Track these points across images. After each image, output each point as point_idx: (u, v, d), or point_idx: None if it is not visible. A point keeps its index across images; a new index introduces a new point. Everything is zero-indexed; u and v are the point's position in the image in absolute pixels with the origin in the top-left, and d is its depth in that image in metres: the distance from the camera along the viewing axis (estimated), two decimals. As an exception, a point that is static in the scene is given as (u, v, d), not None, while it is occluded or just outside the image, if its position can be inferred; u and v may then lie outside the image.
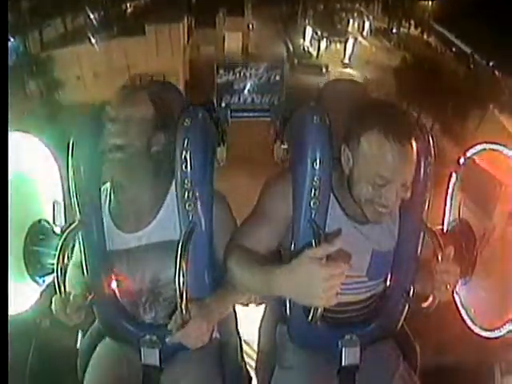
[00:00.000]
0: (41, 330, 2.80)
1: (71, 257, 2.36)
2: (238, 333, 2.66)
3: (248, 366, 2.60)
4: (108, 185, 2.35)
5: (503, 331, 2.41)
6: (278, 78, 2.50)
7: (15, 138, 2.37)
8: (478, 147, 2.67)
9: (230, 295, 2.20)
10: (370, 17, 35.70)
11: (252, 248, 2.11)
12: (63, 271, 2.13)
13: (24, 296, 2.48)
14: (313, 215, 2.15)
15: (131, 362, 2.35)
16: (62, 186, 2.64)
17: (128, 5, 31.71)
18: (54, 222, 2.59)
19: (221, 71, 2.48)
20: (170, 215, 2.24)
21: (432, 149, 2.24)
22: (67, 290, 2.13)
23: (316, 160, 2.10)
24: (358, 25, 33.74)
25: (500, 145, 2.54)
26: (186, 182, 2.13)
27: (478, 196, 2.65)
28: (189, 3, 32.00)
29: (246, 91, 2.50)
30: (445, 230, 2.79)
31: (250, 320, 3.12)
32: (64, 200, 2.64)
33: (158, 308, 2.34)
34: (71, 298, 2.11)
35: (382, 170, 1.97)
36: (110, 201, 2.33)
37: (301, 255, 1.60)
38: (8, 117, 2.10)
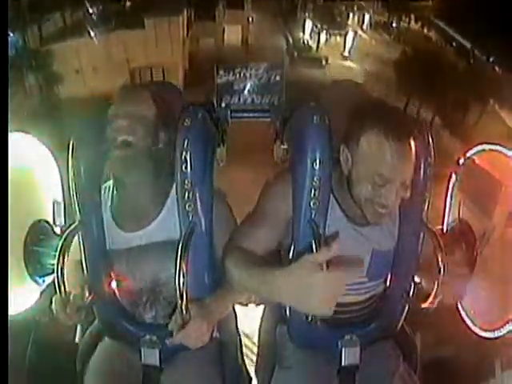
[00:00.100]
0: (40, 323, 2.79)
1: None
2: (238, 333, 2.67)
3: (248, 366, 2.60)
4: (110, 183, 2.36)
5: (503, 331, 2.41)
6: (278, 78, 2.49)
7: (15, 138, 2.36)
8: (478, 147, 2.66)
9: (229, 295, 2.20)
10: (370, 10, 35.70)
11: (251, 248, 2.11)
12: (63, 271, 2.13)
13: (24, 296, 2.47)
14: (313, 215, 2.15)
15: (131, 361, 2.36)
16: (62, 186, 2.63)
17: (127, -2, 31.69)
18: (53, 222, 2.59)
19: (221, 72, 2.48)
20: (172, 215, 2.24)
21: (432, 149, 2.24)
22: (67, 289, 2.13)
23: (316, 160, 2.10)
24: (358, 18, 33.75)
25: (500, 145, 2.53)
26: (186, 182, 2.13)
27: (478, 196, 2.65)
28: (188, -4, 31.96)
29: (246, 91, 2.49)
30: (445, 230, 2.79)
31: (249, 320, 3.13)
32: (64, 200, 2.64)
33: (159, 307, 2.35)
34: (71, 297, 2.12)
35: (381, 170, 1.98)
36: (111, 199, 2.34)
37: (300, 260, 1.56)
38: (8, 117, 2.10)
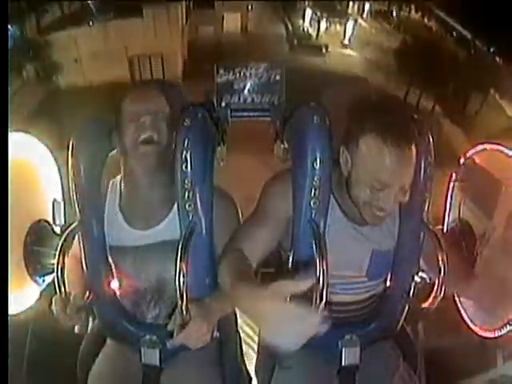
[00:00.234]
0: (38, 313, 2.80)
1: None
2: (238, 332, 2.67)
3: (248, 366, 2.61)
4: (117, 179, 2.36)
5: (503, 331, 2.41)
6: (278, 77, 2.48)
7: (15, 138, 2.36)
8: (478, 147, 2.66)
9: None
10: (370, -1, 35.65)
11: (249, 250, 2.12)
12: (63, 271, 2.14)
13: (24, 296, 2.48)
14: (313, 215, 2.15)
15: (131, 362, 2.36)
16: (62, 186, 2.64)
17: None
18: (53, 222, 2.59)
19: (221, 71, 2.46)
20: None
21: (432, 149, 2.23)
22: (67, 290, 2.14)
23: (316, 160, 2.10)
24: (358, 7, 33.60)
25: (501, 145, 2.53)
26: (186, 181, 2.13)
27: (478, 196, 2.65)
28: (187, -16, 31.84)
29: (246, 91, 2.48)
30: (445, 230, 2.79)
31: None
32: (64, 200, 2.64)
33: (162, 306, 2.35)
34: (71, 298, 2.12)
35: (379, 175, 1.98)
36: (120, 195, 2.33)
37: (271, 285, 1.54)
38: (8, 117, 2.10)
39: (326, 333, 2.25)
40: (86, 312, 2.24)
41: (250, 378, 2.59)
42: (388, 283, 2.39)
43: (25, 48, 22.17)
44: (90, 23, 25.78)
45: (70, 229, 2.24)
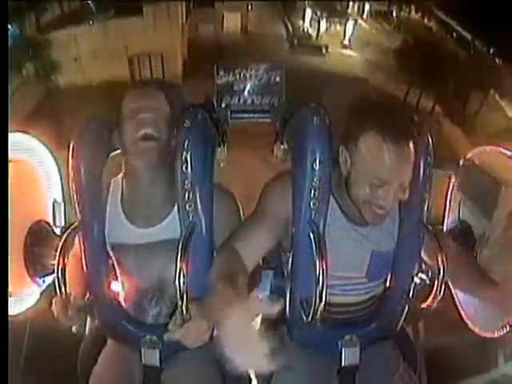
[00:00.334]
0: (38, 313, 2.80)
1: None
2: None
3: (247, 366, 2.61)
4: (119, 178, 2.36)
5: (503, 331, 2.41)
6: (278, 79, 2.49)
7: (15, 139, 2.36)
8: (478, 148, 2.66)
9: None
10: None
11: (247, 248, 2.13)
12: (63, 272, 2.14)
13: (24, 296, 2.48)
14: (313, 216, 2.15)
15: (131, 362, 2.37)
16: (62, 186, 2.64)
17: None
18: (53, 223, 2.59)
19: (221, 72, 2.47)
20: None
21: (432, 149, 2.23)
22: (67, 290, 2.14)
23: (316, 160, 2.10)
24: (358, 7, 33.57)
25: (500, 146, 2.53)
26: (186, 182, 2.14)
27: (478, 196, 2.65)
28: (187, -18, 31.80)
29: (246, 92, 2.49)
30: (445, 231, 2.79)
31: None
32: (64, 200, 2.64)
33: (163, 304, 2.36)
34: (72, 298, 2.12)
35: (379, 172, 1.98)
36: (121, 194, 2.33)
37: (246, 301, 1.60)
38: (8, 117, 2.10)
39: (326, 333, 2.27)
40: (86, 312, 2.23)
41: (250, 378, 2.59)
42: (388, 284, 2.40)
43: (24, 47, 22.13)
44: (90, 22, 25.75)
45: (70, 229, 2.24)
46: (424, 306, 2.26)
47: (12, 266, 2.28)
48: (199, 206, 2.17)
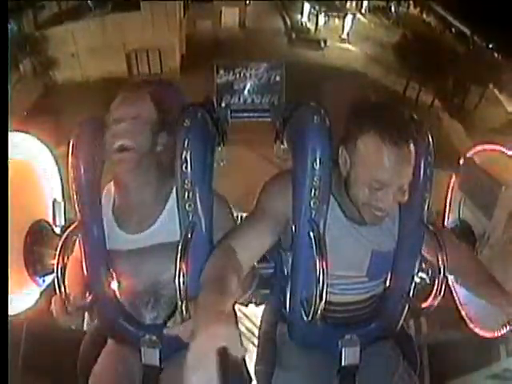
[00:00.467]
0: (38, 313, 2.80)
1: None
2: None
3: (248, 366, 2.61)
4: (111, 184, 2.35)
5: (503, 331, 2.42)
6: (278, 78, 2.49)
7: (15, 138, 2.35)
8: (478, 147, 2.66)
9: None
10: (369, -6, 35.50)
11: (244, 247, 2.13)
12: (63, 271, 2.14)
13: (24, 296, 2.47)
14: (313, 215, 2.15)
15: (131, 361, 2.37)
16: (62, 186, 2.64)
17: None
18: (53, 222, 2.59)
19: (221, 71, 2.47)
20: (172, 217, 2.24)
21: (432, 149, 2.23)
22: (67, 290, 2.14)
23: (316, 160, 2.09)
24: (357, 2, 33.53)
25: (500, 145, 2.53)
26: (186, 182, 2.13)
27: (478, 196, 2.65)
28: (185, -22, 31.70)
29: (246, 91, 2.49)
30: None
31: (249, 319, 3.14)
32: (64, 200, 2.64)
33: (160, 309, 2.35)
34: (71, 298, 2.12)
35: (378, 174, 1.98)
36: (113, 201, 2.33)
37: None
38: (8, 117, 2.10)
39: (326, 332, 2.27)
40: (85, 311, 2.23)
41: (250, 378, 2.59)
42: (388, 283, 2.39)
43: (22, 43, 22.09)
44: (88, 17, 25.69)
45: (69, 229, 2.23)
46: (424, 305, 2.26)
47: (12, 266, 2.28)
48: (199, 206, 2.16)
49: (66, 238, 2.20)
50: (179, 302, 2.02)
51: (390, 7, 32.08)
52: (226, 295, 1.81)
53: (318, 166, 2.09)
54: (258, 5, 34.31)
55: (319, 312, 2.11)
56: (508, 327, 2.38)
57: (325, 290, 2.03)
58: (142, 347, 2.35)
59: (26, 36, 22.95)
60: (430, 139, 2.22)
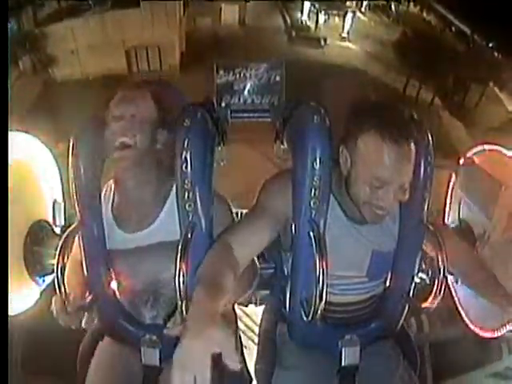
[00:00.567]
0: (38, 313, 2.80)
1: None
2: (238, 332, 2.68)
3: (248, 366, 2.61)
4: (111, 183, 2.36)
5: (503, 331, 2.42)
6: (278, 78, 2.48)
7: (15, 138, 2.35)
8: (478, 147, 2.66)
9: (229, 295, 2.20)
10: (369, -8, 35.42)
11: (242, 244, 2.13)
12: (63, 271, 2.14)
13: (24, 296, 2.47)
14: (313, 215, 2.15)
15: (131, 361, 2.37)
16: (62, 186, 2.64)
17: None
18: (53, 222, 2.58)
19: (221, 72, 2.47)
20: (171, 216, 2.24)
21: (432, 149, 2.23)
22: (67, 290, 2.14)
23: (316, 160, 2.09)
24: (357, 1, 33.52)
25: (500, 145, 2.53)
26: (186, 182, 2.13)
27: (478, 196, 2.65)
28: (185, -25, 31.64)
29: (246, 92, 2.48)
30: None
31: (250, 318, 3.14)
32: (64, 200, 2.64)
33: (159, 308, 2.35)
34: (71, 298, 2.12)
35: (378, 172, 1.98)
36: (112, 200, 2.34)
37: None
38: (8, 117, 2.09)
39: (326, 332, 2.27)
40: (85, 311, 2.23)
41: (251, 378, 2.59)
42: (388, 283, 2.39)
43: (21, 40, 22.05)
44: (87, 14, 25.66)
45: (69, 229, 2.23)
46: (424, 305, 2.26)
47: (12, 266, 2.28)
48: (199, 206, 2.16)
49: (66, 237, 2.19)
50: (179, 302, 2.03)
51: (390, 6, 32.04)
52: (221, 293, 1.81)
53: (317, 166, 2.10)
54: (257, 3, 34.22)
55: (319, 312, 2.11)
56: (508, 327, 2.38)
57: (325, 290, 2.03)
58: (142, 347, 2.35)
59: (26, 33, 22.88)
60: (430, 138, 2.22)
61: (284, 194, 2.20)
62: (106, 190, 2.36)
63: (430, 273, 2.40)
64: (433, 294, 2.21)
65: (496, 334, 2.47)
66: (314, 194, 2.13)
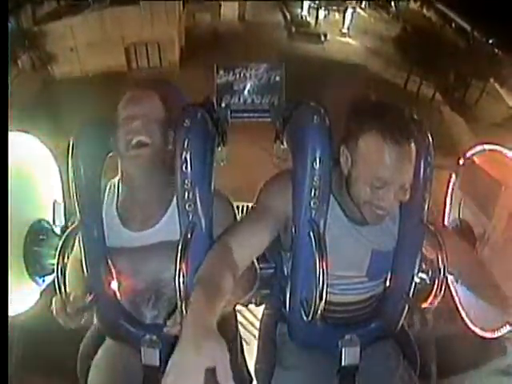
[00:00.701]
0: (38, 313, 2.80)
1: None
2: (238, 332, 2.68)
3: (248, 366, 2.61)
4: (115, 181, 2.36)
5: (503, 331, 2.42)
6: (278, 78, 2.49)
7: (15, 138, 2.35)
8: (478, 148, 2.66)
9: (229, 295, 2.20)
10: (368, -11, 35.38)
11: (241, 245, 2.12)
12: (63, 271, 2.14)
13: (24, 296, 2.47)
14: (313, 215, 2.15)
15: (131, 362, 2.37)
16: (62, 186, 2.63)
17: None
18: (53, 222, 2.58)
19: (221, 72, 2.47)
20: (175, 217, 2.23)
21: (432, 149, 2.23)
22: (67, 290, 2.14)
23: (316, 160, 2.09)
24: (356, -1, 33.50)
25: (500, 145, 2.53)
26: (186, 182, 2.12)
27: (478, 196, 2.65)
28: (184, -29, 31.59)
29: (246, 92, 2.49)
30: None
31: (249, 320, 3.14)
32: (64, 200, 2.64)
33: (161, 307, 2.35)
34: (71, 298, 2.12)
35: (379, 172, 1.98)
36: (117, 198, 2.34)
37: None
38: (8, 117, 2.09)
39: (326, 332, 2.27)
40: (85, 312, 2.23)
41: (251, 378, 2.59)
42: (388, 283, 2.39)
43: (20, 38, 22.03)
44: (86, 12, 25.62)
45: (70, 229, 2.23)
46: (424, 305, 2.26)
47: (12, 266, 2.28)
48: (199, 206, 2.16)
49: (65, 237, 2.19)
50: (179, 302, 2.03)
51: (390, 2, 32.03)
52: (219, 294, 1.81)
53: (317, 166, 2.10)
54: (257, -1, 34.27)
55: (319, 312, 2.11)
56: (508, 327, 2.38)
57: (325, 290, 2.03)
58: (142, 347, 2.35)
59: (25, 31, 22.86)
60: (430, 139, 2.22)
61: (284, 194, 2.20)
62: (109, 188, 2.36)
63: (430, 273, 2.39)
64: (433, 294, 2.21)
65: (496, 335, 2.47)
66: (314, 194, 2.13)
